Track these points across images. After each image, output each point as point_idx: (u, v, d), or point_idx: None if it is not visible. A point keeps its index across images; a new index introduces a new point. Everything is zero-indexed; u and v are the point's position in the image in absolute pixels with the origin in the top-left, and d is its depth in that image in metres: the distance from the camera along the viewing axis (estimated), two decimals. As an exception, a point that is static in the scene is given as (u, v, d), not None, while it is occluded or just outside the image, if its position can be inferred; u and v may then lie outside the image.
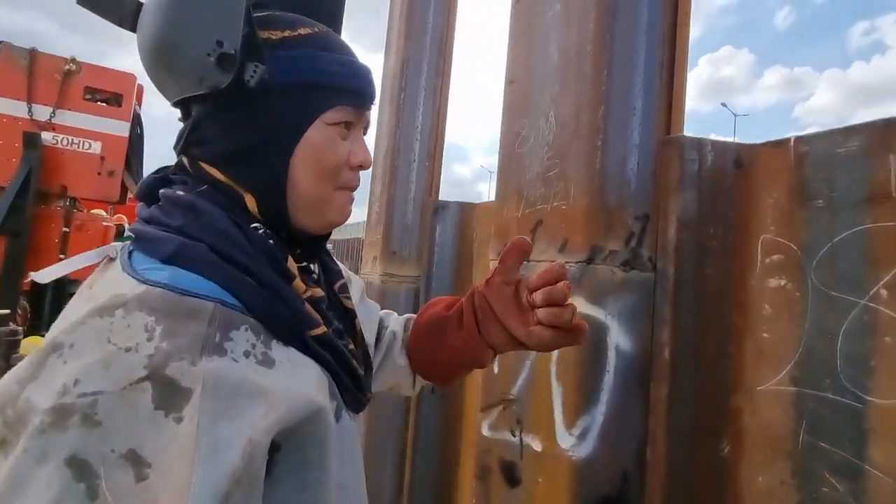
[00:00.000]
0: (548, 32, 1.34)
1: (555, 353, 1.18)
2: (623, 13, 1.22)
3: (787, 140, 1.15)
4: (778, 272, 1.12)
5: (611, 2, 1.21)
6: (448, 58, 2.13)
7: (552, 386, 1.17)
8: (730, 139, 1.30)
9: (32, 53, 4.15)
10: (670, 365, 1.12)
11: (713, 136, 1.28)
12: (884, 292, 0.96)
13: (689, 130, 1.26)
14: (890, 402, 0.94)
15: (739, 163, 1.20)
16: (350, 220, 0.64)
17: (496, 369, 1.32)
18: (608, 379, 1.13)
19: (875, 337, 0.97)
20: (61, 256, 4.03)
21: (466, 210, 1.98)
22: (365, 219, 2.29)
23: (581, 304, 1.16)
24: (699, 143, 1.20)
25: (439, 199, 2.04)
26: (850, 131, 1.04)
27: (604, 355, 1.14)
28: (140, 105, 4.94)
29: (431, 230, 1.95)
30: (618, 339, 1.15)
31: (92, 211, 5.18)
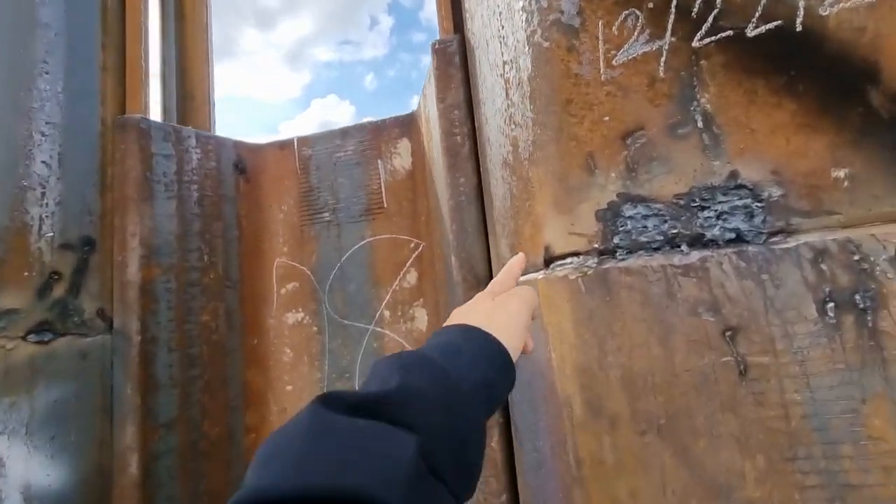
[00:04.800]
0: None
1: None
2: None
3: (292, 141, 0.96)
4: (295, 304, 0.90)
5: None
6: None
7: None
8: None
9: None
10: (141, 485, 0.69)
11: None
12: (386, 313, 0.88)
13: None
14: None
15: (242, 167, 0.93)
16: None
17: None
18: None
19: (386, 367, 0.86)
20: None
21: None
22: None
23: None
24: (177, 134, 0.83)
25: None
26: (346, 133, 0.93)
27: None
28: None
29: None
30: (27, 474, 0.61)
31: None
